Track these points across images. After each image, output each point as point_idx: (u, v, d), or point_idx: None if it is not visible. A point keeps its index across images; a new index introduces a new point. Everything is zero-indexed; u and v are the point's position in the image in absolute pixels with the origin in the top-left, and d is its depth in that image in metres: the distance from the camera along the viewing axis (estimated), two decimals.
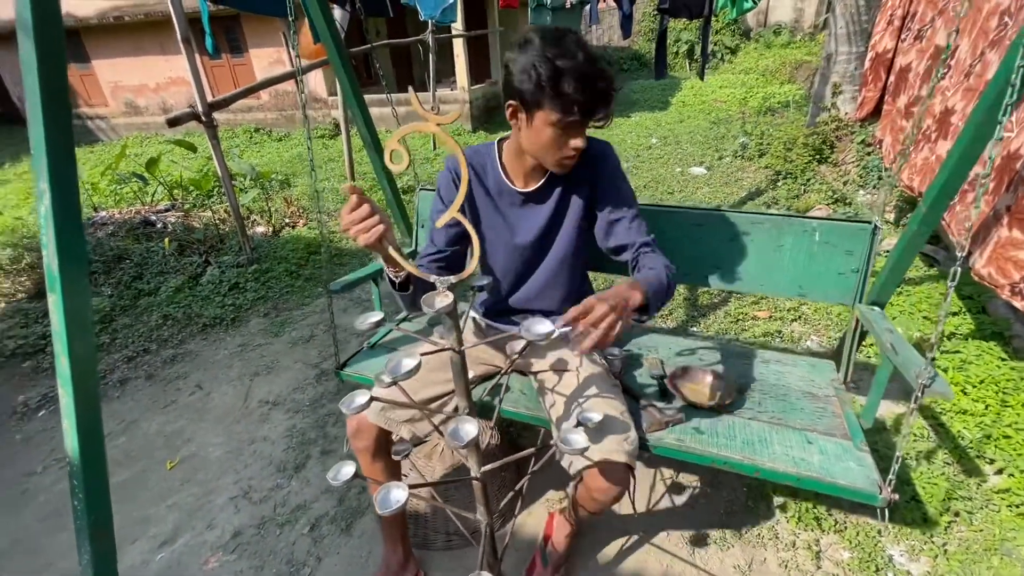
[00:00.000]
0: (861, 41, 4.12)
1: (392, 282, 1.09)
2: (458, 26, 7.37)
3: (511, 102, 1.09)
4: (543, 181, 1.22)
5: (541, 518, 1.66)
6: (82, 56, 9.60)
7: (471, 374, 1.32)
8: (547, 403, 1.27)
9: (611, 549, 1.57)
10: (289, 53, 7.75)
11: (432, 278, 0.91)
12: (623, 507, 1.70)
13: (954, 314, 2.43)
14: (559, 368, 1.31)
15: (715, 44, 14.51)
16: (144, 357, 2.67)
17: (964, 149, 1.22)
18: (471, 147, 1.30)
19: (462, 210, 1.28)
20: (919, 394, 0.96)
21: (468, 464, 1.04)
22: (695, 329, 2.69)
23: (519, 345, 1.16)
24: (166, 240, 3.55)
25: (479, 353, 1.43)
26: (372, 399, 0.92)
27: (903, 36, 2.49)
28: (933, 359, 0.95)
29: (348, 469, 0.91)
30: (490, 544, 1.14)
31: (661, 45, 3.48)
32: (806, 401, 1.31)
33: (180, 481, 1.92)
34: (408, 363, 0.83)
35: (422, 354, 0.87)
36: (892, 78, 2.57)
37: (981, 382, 1.92)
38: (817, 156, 4.44)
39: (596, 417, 1.02)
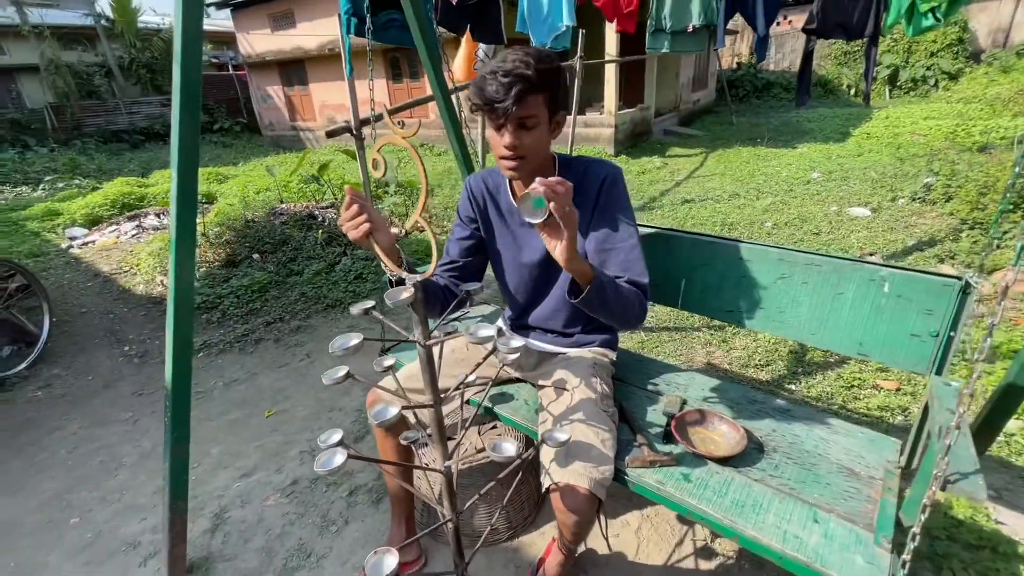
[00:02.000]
0: None
1: (389, 280, 1.21)
2: (613, 52, 7.48)
3: None
4: None
5: (549, 538, 1.64)
6: (304, 80, 11.89)
7: (476, 375, 1.38)
8: (540, 418, 1.28)
9: None
10: (450, 77, 8.58)
11: (405, 275, 1.01)
12: (644, 554, 1.59)
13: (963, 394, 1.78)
14: (559, 387, 1.31)
15: (928, 68, 12.38)
16: (278, 324, 3.23)
17: None
18: (488, 168, 1.37)
19: (478, 227, 1.37)
20: (932, 489, 0.77)
21: (435, 455, 1.11)
22: (792, 387, 2.37)
23: (516, 357, 1.19)
24: (319, 232, 4.24)
25: (482, 351, 1.47)
26: (348, 374, 1.05)
27: None
28: (949, 445, 0.75)
29: (336, 436, 1.04)
30: (454, 540, 1.19)
31: (805, 68, 3.14)
32: (839, 477, 1.10)
33: (271, 429, 2.30)
34: (352, 339, 0.93)
35: (366, 339, 0.97)
36: None
37: None
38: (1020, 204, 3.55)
39: (562, 437, 1.01)
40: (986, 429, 1.35)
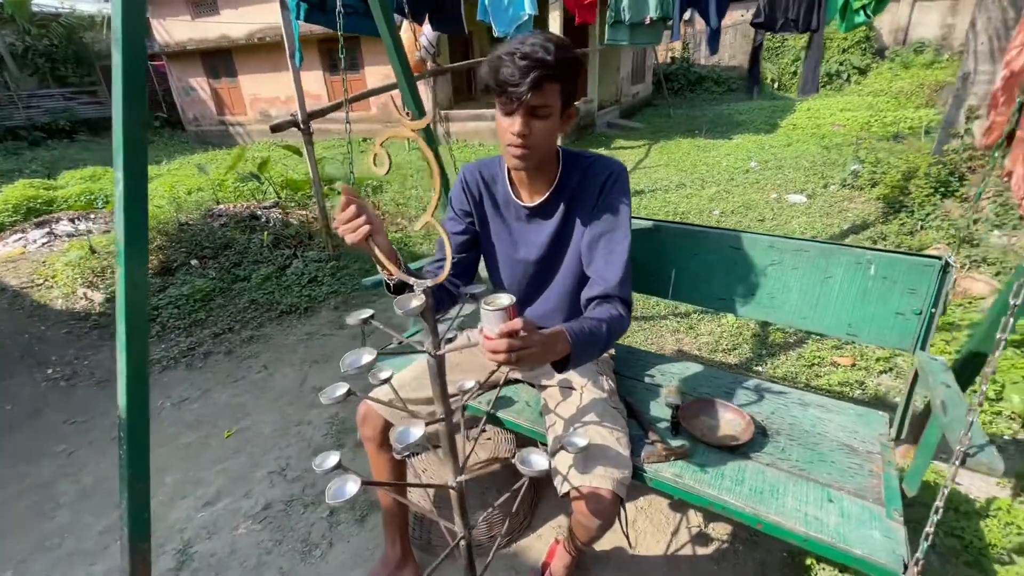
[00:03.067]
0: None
1: (387, 285, 1.13)
2: None
3: None
4: (548, 195, 1.19)
5: (548, 541, 1.60)
6: (232, 71, 11.14)
7: (474, 380, 1.32)
8: (548, 421, 1.24)
9: None
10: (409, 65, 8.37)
11: (412, 280, 0.93)
12: (640, 547, 1.59)
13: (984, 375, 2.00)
14: (565, 386, 1.27)
15: (841, 64, 13.35)
16: (228, 335, 2.99)
17: None
18: (483, 159, 1.31)
19: (472, 221, 1.31)
20: (956, 462, 0.80)
21: (446, 472, 1.04)
22: (759, 369, 2.47)
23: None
24: (265, 233, 3.97)
25: (484, 360, 1.42)
26: (349, 391, 0.96)
27: None
28: (972, 422, 0.78)
29: (332, 459, 0.95)
30: (466, 557, 1.12)
31: (755, 61, 3.27)
32: (841, 454, 1.14)
33: (232, 450, 2.12)
34: (365, 359, 0.85)
35: (380, 352, 0.89)
36: None
37: None
38: (941, 189, 3.89)
39: (581, 442, 0.97)
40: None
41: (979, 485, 1.69)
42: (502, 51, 1.02)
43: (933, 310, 1.17)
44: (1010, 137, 2.44)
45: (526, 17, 2.55)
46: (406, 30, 3.29)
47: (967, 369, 1.36)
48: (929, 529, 0.83)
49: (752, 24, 3.08)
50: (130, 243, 1.20)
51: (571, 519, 1.18)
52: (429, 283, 0.91)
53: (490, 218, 1.28)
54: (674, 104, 12.07)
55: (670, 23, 2.82)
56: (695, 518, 1.68)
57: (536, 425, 1.29)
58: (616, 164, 1.19)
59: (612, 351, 1.39)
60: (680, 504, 1.70)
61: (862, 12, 3.29)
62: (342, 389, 0.96)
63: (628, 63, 11.40)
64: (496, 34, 2.86)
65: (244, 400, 2.43)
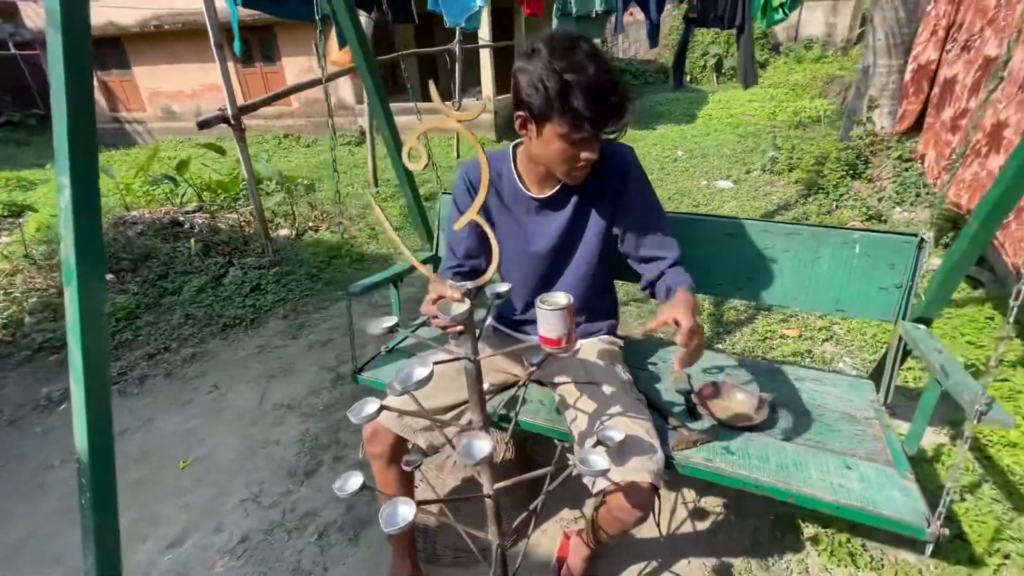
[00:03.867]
0: (900, 54, 3.99)
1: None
2: (484, 36, 7.43)
3: (520, 113, 1.06)
4: (559, 187, 1.18)
5: (554, 536, 1.59)
6: (123, 63, 9.98)
7: (487, 383, 1.27)
8: (569, 418, 1.22)
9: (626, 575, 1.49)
10: (319, 60, 7.95)
11: (448, 283, 0.87)
12: (642, 530, 1.62)
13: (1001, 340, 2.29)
14: (582, 381, 1.25)
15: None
16: (164, 355, 2.69)
17: (1022, 163, 1.13)
18: (488, 152, 1.26)
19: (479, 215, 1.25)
20: (975, 421, 0.88)
21: (481, 480, 0.99)
22: (720, 346, 2.60)
23: (537, 356, 1.11)
24: (192, 240, 3.61)
25: (496, 362, 1.37)
26: (382, 407, 0.88)
27: (948, 47, 2.39)
28: (986, 384, 0.86)
29: (356, 480, 0.87)
30: (501, 566, 1.08)
31: (682, 55, 3.42)
32: (844, 423, 1.22)
33: (192, 481, 1.91)
34: (420, 372, 0.78)
35: (435, 363, 0.82)
36: (936, 90, 2.46)
37: None
38: (851, 171, 4.30)
39: (618, 436, 0.96)
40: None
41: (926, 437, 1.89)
42: (572, 82, 0.93)
43: (912, 283, 1.27)
44: (919, 124, 2.75)
45: (477, 8, 2.49)
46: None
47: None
48: (951, 484, 0.91)
49: (685, 19, 3.21)
50: (83, 259, 1.03)
51: (599, 513, 1.17)
52: (469, 285, 0.86)
53: (497, 214, 1.23)
54: None
55: (614, 16, 2.87)
56: (689, 494, 1.74)
57: (556, 424, 1.27)
58: (626, 149, 1.18)
59: (621, 342, 1.39)
60: (675, 482, 1.76)
61: (780, 10, 3.54)
62: (373, 405, 0.88)
63: None
64: (447, 24, 2.77)
65: (196, 425, 2.20)
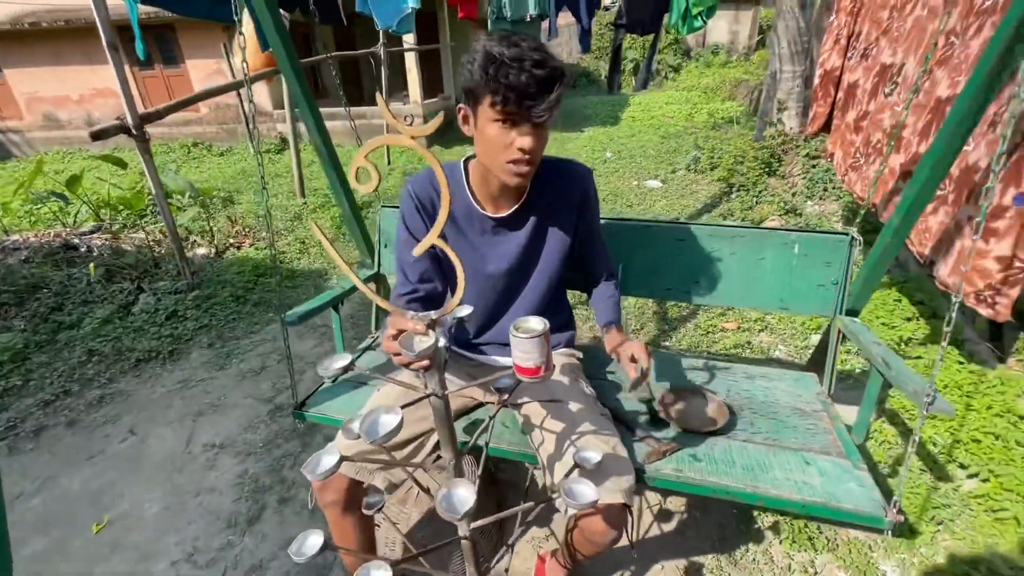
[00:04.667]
0: (802, 60, 4.33)
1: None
2: (410, 39, 7.27)
3: (460, 106, 1.02)
4: (517, 206, 1.13)
5: (527, 558, 1.55)
6: None
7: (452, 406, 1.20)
8: (536, 440, 1.17)
9: None
10: (230, 63, 7.37)
11: (408, 314, 0.79)
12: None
13: (908, 319, 2.52)
14: (546, 400, 1.21)
15: (659, 63, 15.09)
16: (65, 400, 2.36)
17: (935, 163, 1.22)
18: (429, 170, 1.18)
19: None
20: (924, 411, 0.93)
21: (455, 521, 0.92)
22: (667, 344, 2.67)
23: (503, 381, 1.05)
24: (91, 266, 3.21)
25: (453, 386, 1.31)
26: (342, 459, 0.79)
27: (849, 55, 2.60)
28: (933, 379, 0.92)
29: (315, 540, 0.78)
30: None
31: (616, 60, 3.51)
32: (797, 418, 1.26)
33: (110, 547, 1.67)
34: (389, 421, 0.71)
35: (403, 406, 0.75)
36: (840, 94, 2.67)
37: (945, 387, 1.98)
38: (766, 169, 4.61)
39: (595, 458, 0.93)
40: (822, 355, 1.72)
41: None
42: (505, 56, 0.89)
43: (846, 279, 1.35)
44: (828, 125, 2.98)
45: (409, 10, 2.40)
46: (248, 23, 2.88)
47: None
48: (904, 472, 0.96)
49: (614, 25, 3.29)
50: None
51: (573, 535, 1.13)
52: (433, 315, 0.79)
53: (449, 235, 1.16)
54: None
55: (548, 21, 2.88)
56: (653, 497, 1.76)
57: (522, 447, 1.22)
58: (583, 168, 1.18)
59: (580, 354, 1.37)
60: (640, 487, 1.77)
61: (700, 17, 3.72)
62: (331, 458, 0.79)
63: None
64: (378, 27, 2.65)
65: (110, 479, 1.94)
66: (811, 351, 2.54)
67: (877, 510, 0.99)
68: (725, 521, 1.65)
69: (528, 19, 2.70)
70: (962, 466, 1.73)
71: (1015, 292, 1.65)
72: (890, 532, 1.00)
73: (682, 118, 9.28)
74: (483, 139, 1.00)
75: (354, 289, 1.60)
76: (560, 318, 1.35)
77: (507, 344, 1.30)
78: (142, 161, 2.83)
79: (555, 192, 1.13)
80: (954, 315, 0.88)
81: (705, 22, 3.67)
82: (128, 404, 2.35)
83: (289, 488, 1.84)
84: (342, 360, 0.85)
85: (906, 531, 1.50)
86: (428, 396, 0.81)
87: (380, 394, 1.25)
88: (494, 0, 2.60)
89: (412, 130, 0.68)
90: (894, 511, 0.98)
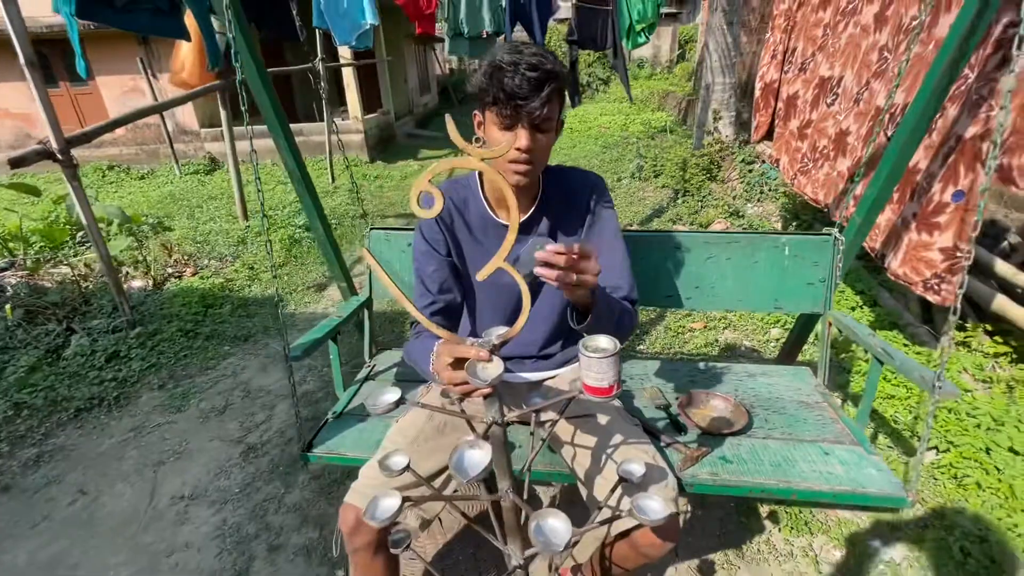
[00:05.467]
0: (732, 73, 4.64)
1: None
2: (347, 54, 7.09)
3: (476, 112, 1.05)
4: (532, 211, 1.13)
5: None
6: None
7: (465, 438, 1.15)
8: (567, 455, 1.15)
9: None
10: (149, 79, 6.88)
11: (468, 341, 0.76)
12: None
13: (853, 308, 2.75)
14: (574, 415, 1.20)
15: (590, 75, 15.66)
16: None
17: (892, 167, 1.34)
18: (446, 181, 1.18)
19: (448, 252, 1.15)
20: (935, 397, 1.00)
21: (507, 550, 0.88)
22: (641, 347, 2.74)
23: (534, 399, 1.03)
24: (8, 307, 2.84)
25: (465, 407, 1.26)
26: (405, 501, 0.74)
27: (786, 68, 2.82)
28: (941, 368, 1.00)
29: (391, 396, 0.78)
30: None
31: (572, 75, 3.60)
32: (804, 411, 1.33)
33: None
34: (479, 459, 0.67)
35: (486, 437, 0.71)
36: (780, 105, 2.88)
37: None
38: (708, 175, 4.88)
39: (639, 470, 0.92)
40: (795, 347, 1.84)
41: None
42: (499, 60, 0.94)
43: (832, 276, 1.44)
44: (771, 132, 3.20)
45: (367, 26, 2.34)
46: (197, 36, 2.70)
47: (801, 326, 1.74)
48: (920, 454, 1.03)
49: (567, 41, 3.39)
50: None
51: (613, 549, 1.12)
52: (495, 340, 0.76)
53: (465, 244, 1.14)
54: (463, 112, 12.61)
55: (503, 36, 2.91)
56: None
57: (552, 466, 1.20)
58: (595, 177, 1.19)
59: None
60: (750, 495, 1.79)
61: (643, 34, 3.91)
62: (393, 502, 0.73)
63: (414, 75, 11.47)
64: (337, 43, 2.56)
65: (62, 548, 1.70)
66: (770, 344, 2.71)
67: (898, 491, 1.06)
68: (726, 516, 1.70)
69: (484, 35, 2.71)
70: (920, 438, 1.88)
71: (958, 279, 1.84)
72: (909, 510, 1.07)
73: (618, 128, 9.67)
74: (490, 142, 1.01)
75: (352, 318, 1.52)
76: (576, 331, 1.35)
77: (528, 358, 1.28)
78: (69, 188, 2.55)
79: (566, 199, 1.14)
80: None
81: (648, 38, 3.86)
82: (72, 461, 2.08)
83: (277, 534, 1.70)
84: (392, 395, 0.80)
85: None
86: (494, 424, 0.78)
87: (402, 425, 1.19)
88: (451, 17, 2.60)
89: (482, 152, 0.66)
90: (913, 492, 1.05)
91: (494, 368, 0.72)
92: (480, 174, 1.17)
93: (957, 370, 2.17)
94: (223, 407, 2.36)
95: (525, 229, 1.15)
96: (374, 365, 1.63)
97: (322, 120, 7.05)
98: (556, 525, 0.68)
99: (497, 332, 0.93)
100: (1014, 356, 2.21)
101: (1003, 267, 2.43)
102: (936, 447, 1.86)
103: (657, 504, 0.80)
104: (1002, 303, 2.26)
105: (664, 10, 4.77)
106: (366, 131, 7.70)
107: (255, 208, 4.98)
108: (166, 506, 1.85)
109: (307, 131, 7.44)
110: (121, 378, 2.52)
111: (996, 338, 2.27)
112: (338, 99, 8.11)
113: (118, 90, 7.63)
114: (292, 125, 1.35)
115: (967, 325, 2.39)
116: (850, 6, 2.27)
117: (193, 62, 3.59)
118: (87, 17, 1.61)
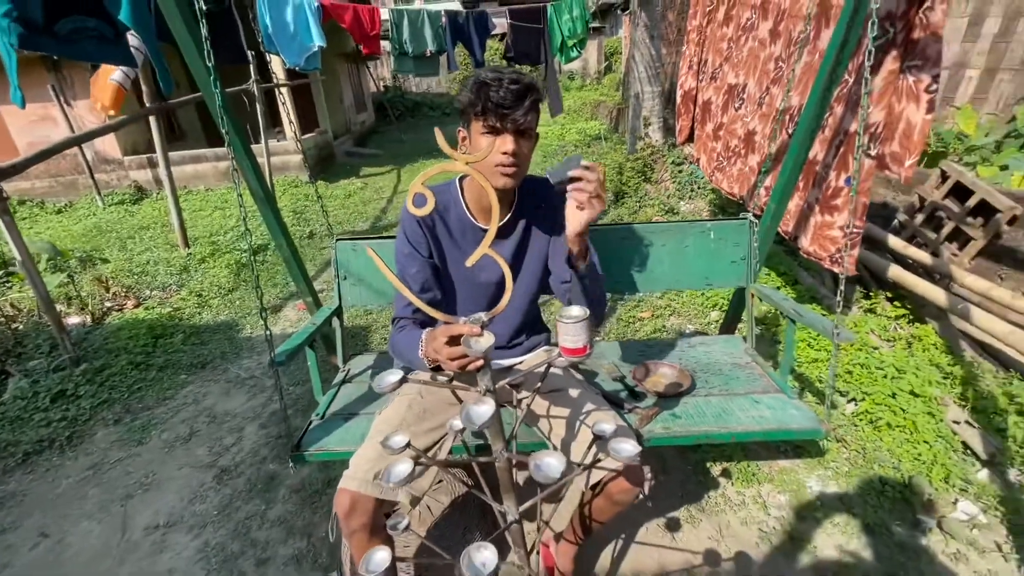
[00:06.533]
0: (658, 82, 5.02)
1: None
2: (280, 75, 7.00)
3: (460, 128, 1.18)
4: (508, 216, 1.26)
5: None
6: None
7: (441, 420, 1.26)
8: (544, 428, 1.29)
9: (604, 559, 1.61)
10: (62, 106, 6.50)
11: (461, 320, 0.89)
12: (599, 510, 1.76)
13: (779, 287, 3.07)
14: (548, 391, 1.33)
15: None
16: None
17: (794, 161, 1.60)
18: (431, 187, 1.29)
19: (429, 253, 1.27)
20: (836, 341, 1.23)
21: (502, 508, 1.00)
22: (598, 338, 2.94)
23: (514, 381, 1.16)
24: None
25: (446, 395, 1.37)
26: (417, 465, 0.85)
27: (700, 77, 3.14)
28: (838, 318, 1.22)
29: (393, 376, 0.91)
30: None
31: None
32: (737, 370, 1.54)
33: None
34: (484, 412, 0.79)
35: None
36: (698, 110, 3.20)
37: (817, 336, 2.46)
38: (643, 177, 5.23)
39: (610, 427, 1.08)
40: (732, 323, 2.09)
41: None
42: (485, 77, 1.08)
43: (751, 254, 1.68)
44: (692, 135, 3.52)
45: (315, 48, 2.40)
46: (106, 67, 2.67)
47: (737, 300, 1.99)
48: (829, 393, 1.25)
49: (504, 58, 3.59)
50: None
51: (592, 505, 1.26)
52: (484, 317, 0.89)
53: (446, 246, 1.26)
54: (402, 129, 12.63)
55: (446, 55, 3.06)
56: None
57: (531, 438, 1.33)
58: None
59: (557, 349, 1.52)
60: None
61: (575, 48, 4.19)
62: (395, 375, 0.85)
63: (349, 93, 11.40)
64: (287, 65, 2.59)
65: None
66: (711, 325, 2.99)
67: (816, 425, 1.28)
68: (685, 478, 1.89)
69: (428, 54, 2.85)
70: (841, 393, 2.17)
71: (856, 251, 2.15)
72: (826, 442, 1.29)
73: (555, 138, 10.02)
74: (476, 151, 1.13)
75: (326, 324, 1.59)
76: (539, 323, 1.50)
77: (499, 348, 1.41)
78: (0, 224, 2.44)
79: (537, 205, 1.28)
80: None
81: (580, 52, 4.14)
82: (26, 506, 2.00)
83: (264, 548, 1.73)
84: (395, 375, 0.91)
85: (816, 450, 1.87)
86: (487, 392, 0.90)
87: (385, 415, 1.29)
88: (395, 37, 2.71)
89: (466, 156, 0.79)
90: (828, 424, 1.27)
91: (486, 340, 0.84)
92: (461, 184, 1.29)
93: (866, 331, 2.50)
94: (188, 435, 2.32)
95: (501, 233, 1.29)
96: (349, 369, 1.70)
97: (258, 143, 6.90)
98: (551, 462, 0.82)
99: (480, 317, 1.06)
100: (911, 317, 2.57)
101: (895, 241, 2.82)
102: (855, 399, 2.15)
103: (629, 445, 0.96)
104: (896, 272, 2.63)
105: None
106: (304, 151, 7.59)
107: (195, 235, 4.83)
108: (141, 537, 1.82)
109: None
110: (71, 417, 2.42)
111: (896, 303, 2.64)
112: (271, 121, 7.95)
113: (25, 119, 7.13)
114: (224, 148, 1.41)
115: (871, 294, 2.75)
116: (748, 22, 2.59)
117: (115, 88, 3.48)
118: (30, 48, 1.60)
